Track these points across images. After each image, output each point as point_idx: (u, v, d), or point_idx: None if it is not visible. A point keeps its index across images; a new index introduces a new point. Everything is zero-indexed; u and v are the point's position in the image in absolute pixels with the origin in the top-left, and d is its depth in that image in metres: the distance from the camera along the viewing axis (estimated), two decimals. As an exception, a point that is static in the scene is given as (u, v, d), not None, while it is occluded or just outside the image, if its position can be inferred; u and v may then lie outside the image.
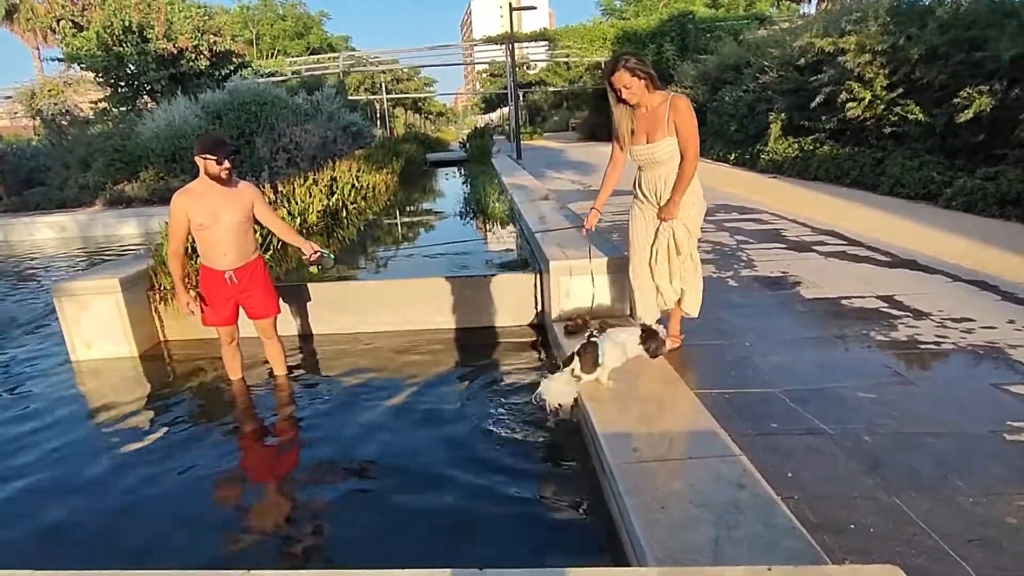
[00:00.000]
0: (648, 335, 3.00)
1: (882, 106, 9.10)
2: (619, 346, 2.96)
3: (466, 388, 3.69)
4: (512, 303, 4.59)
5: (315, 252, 3.62)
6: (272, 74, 24.82)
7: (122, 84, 15.80)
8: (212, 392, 3.88)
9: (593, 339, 3.00)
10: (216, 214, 3.38)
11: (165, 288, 4.60)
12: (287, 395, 3.74)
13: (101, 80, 15.70)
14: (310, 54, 35.93)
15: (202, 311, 3.57)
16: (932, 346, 3.34)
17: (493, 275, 4.68)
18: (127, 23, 14.66)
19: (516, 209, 7.24)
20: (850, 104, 9.40)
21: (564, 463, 2.81)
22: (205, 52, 15.82)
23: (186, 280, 3.59)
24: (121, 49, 14.66)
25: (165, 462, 3.03)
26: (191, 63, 15.55)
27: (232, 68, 17.15)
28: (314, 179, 8.40)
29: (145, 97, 15.93)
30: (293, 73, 27.63)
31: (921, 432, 2.49)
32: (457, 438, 3.09)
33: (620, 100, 3.08)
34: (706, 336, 3.62)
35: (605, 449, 2.40)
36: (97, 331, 4.39)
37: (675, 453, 2.35)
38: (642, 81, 3.00)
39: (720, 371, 3.17)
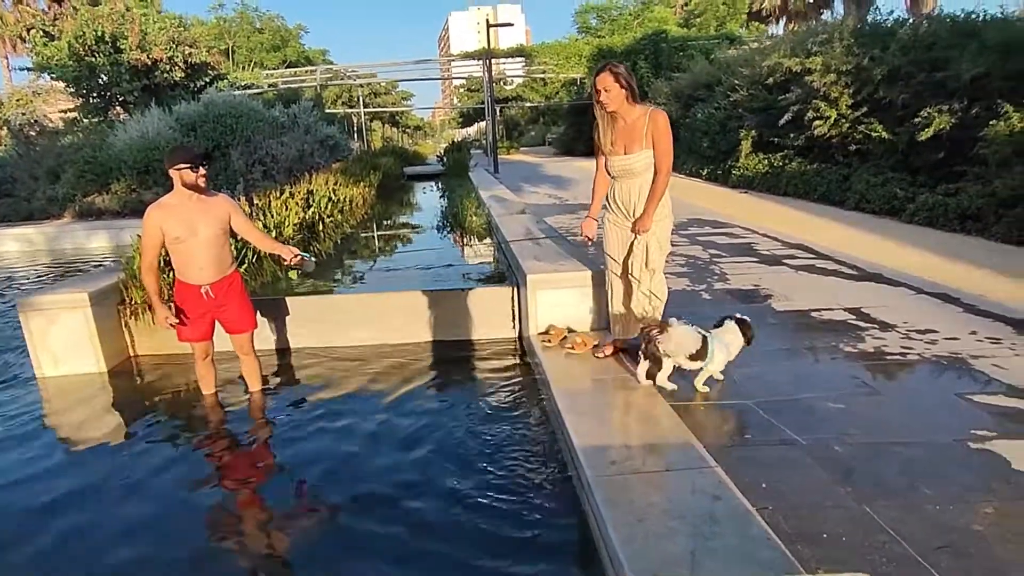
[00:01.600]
0: (745, 326, 3.11)
1: (847, 124, 9.41)
2: (724, 347, 3.04)
3: (442, 402, 3.68)
4: (489, 316, 4.61)
5: (295, 256, 3.56)
6: (248, 86, 24.64)
7: (94, 94, 15.54)
8: (184, 409, 3.80)
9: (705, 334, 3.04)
10: (192, 227, 3.31)
11: (136, 302, 4.52)
12: (261, 411, 3.69)
13: (72, 90, 15.41)
14: (287, 67, 35.78)
15: (178, 326, 3.49)
16: (898, 357, 3.44)
17: (471, 288, 4.69)
18: (100, 33, 14.46)
19: (493, 222, 7.28)
20: (817, 122, 9.70)
21: (541, 475, 2.81)
22: (180, 63, 15.65)
23: (161, 294, 3.51)
24: (93, 59, 14.44)
25: (133, 481, 2.95)
26: (165, 74, 15.37)
27: (208, 80, 16.99)
28: (290, 192, 8.36)
29: (117, 108, 15.69)
30: (270, 86, 27.49)
31: (889, 441, 2.56)
32: (432, 451, 3.08)
33: (601, 109, 3.13)
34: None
35: (583, 462, 2.41)
36: (65, 347, 4.28)
37: (652, 465, 2.38)
38: (623, 90, 3.07)
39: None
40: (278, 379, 4.16)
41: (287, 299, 4.57)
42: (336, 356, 4.46)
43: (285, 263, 3.61)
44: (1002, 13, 9.18)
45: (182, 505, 2.79)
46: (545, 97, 33.49)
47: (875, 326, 3.93)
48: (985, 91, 7.55)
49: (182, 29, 16.52)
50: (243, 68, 32.51)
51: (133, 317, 4.55)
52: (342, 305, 4.70)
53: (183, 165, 3.25)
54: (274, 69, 33.61)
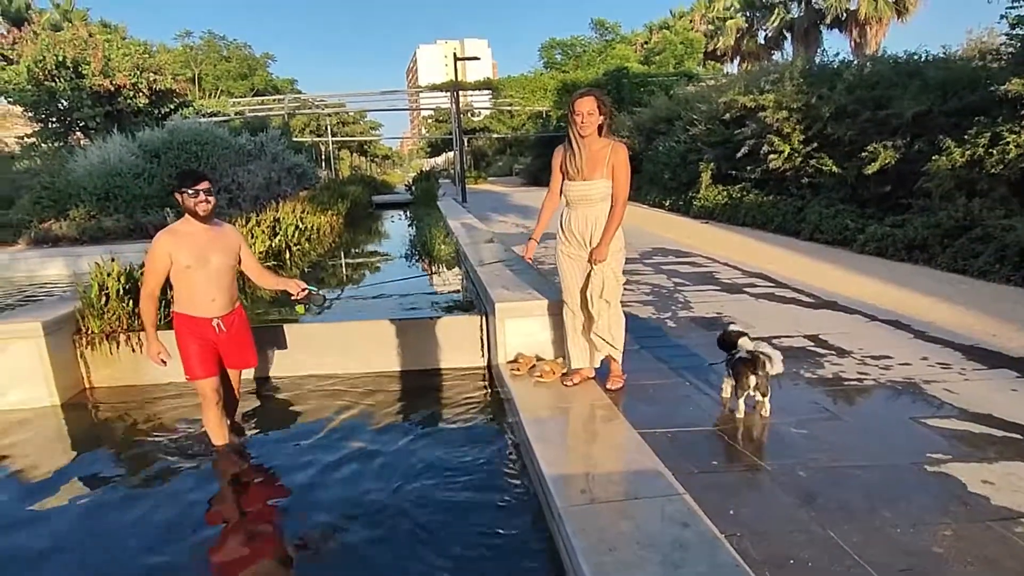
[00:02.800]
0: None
1: (800, 158, 9.86)
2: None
3: (410, 433, 3.61)
4: (458, 345, 4.58)
5: (303, 290, 3.40)
6: (215, 114, 24.45)
7: (53, 119, 15.22)
8: (142, 443, 3.62)
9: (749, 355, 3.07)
10: (204, 256, 3.13)
11: (93, 331, 4.35)
12: (235, 447, 3.49)
13: (31, 115, 15.04)
14: (255, 95, 35.67)
15: (189, 362, 3.20)
16: (855, 382, 3.55)
17: (439, 317, 4.67)
18: (61, 58, 14.20)
19: (462, 251, 7.30)
20: (771, 156, 10.13)
21: (511, 506, 2.78)
22: (144, 90, 15.49)
23: (156, 327, 3.27)
24: (53, 84, 14.15)
25: (86, 523, 2.80)
26: (129, 100, 15.17)
27: (173, 107, 16.87)
28: (256, 220, 8.27)
29: (78, 133, 15.35)
30: (237, 114, 27.35)
31: (850, 465, 2.63)
32: (399, 483, 3.01)
33: (577, 131, 3.18)
34: (648, 376, 3.72)
35: (553, 491, 2.40)
36: (14, 378, 4.07)
37: (621, 494, 2.38)
38: (601, 117, 3.16)
39: (662, 410, 3.25)
40: (241, 410, 4.03)
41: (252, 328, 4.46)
42: (301, 386, 4.35)
43: (292, 298, 3.44)
44: (944, 53, 9.84)
45: (137, 550, 2.65)
46: (512, 129, 34.10)
47: (833, 352, 4.06)
48: (927, 127, 8.03)
49: (147, 56, 16.39)
50: (210, 96, 32.31)
51: (89, 347, 4.37)
52: (308, 334, 4.61)
53: (184, 189, 3.09)
54: (241, 97, 33.49)
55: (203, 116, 21.16)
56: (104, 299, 4.43)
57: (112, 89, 14.73)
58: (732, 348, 3.22)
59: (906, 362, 3.83)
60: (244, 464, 3.36)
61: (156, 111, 16.22)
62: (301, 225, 9.22)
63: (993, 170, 6.92)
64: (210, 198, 3.13)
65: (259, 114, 27.96)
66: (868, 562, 2.01)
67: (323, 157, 35.59)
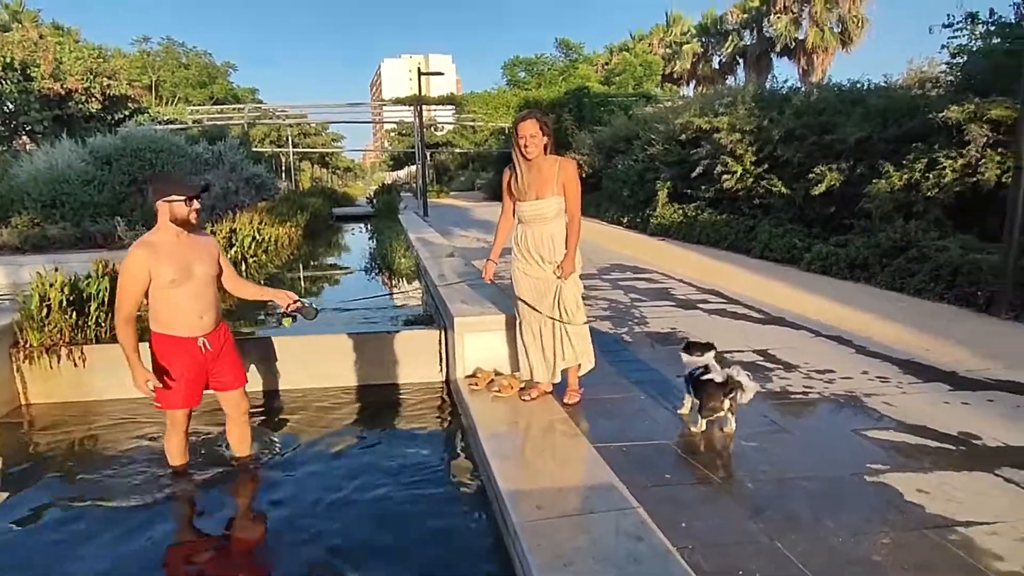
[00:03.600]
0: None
1: (751, 179, 10.23)
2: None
3: (366, 448, 3.56)
4: (417, 360, 4.55)
5: (294, 302, 3.18)
6: (172, 121, 23.81)
7: (-2, 123, 14.52)
8: (84, 464, 3.45)
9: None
10: (188, 267, 2.86)
11: (32, 345, 4.14)
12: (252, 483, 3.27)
13: (-27, 118, 14.34)
14: (214, 104, 34.87)
15: (163, 393, 2.93)
16: (801, 396, 3.69)
17: (398, 331, 4.64)
18: (8, 60, 13.59)
19: (422, 265, 7.27)
20: (725, 176, 10.49)
21: (468, 522, 2.77)
22: (97, 95, 14.98)
23: (139, 351, 2.90)
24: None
25: (17, 552, 2.63)
26: (81, 105, 14.62)
27: (127, 113, 16.35)
28: (212, 230, 8.11)
29: (24, 138, 14.67)
30: (195, 122, 26.72)
31: (796, 477, 2.72)
32: (355, 500, 2.96)
33: (522, 155, 3.26)
34: (604, 390, 3.77)
35: (509, 507, 2.40)
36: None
37: (577, 508, 2.40)
38: (545, 138, 3.22)
39: (618, 424, 3.30)
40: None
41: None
42: (255, 402, 4.23)
43: (280, 310, 3.21)
44: (886, 82, 10.42)
45: None
46: (475, 144, 34.27)
47: (780, 367, 4.20)
48: (868, 152, 8.46)
49: (101, 60, 15.89)
50: (167, 103, 31.44)
51: (27, 361, 4.16)
52: (263, 348, 4.50)
53: (176, 197, 2.82)
54: (200, 105, 32.71)
55: (159, 123, 20.57)
56: (45, 311, 4.23)
57: (63, 93, 14.20)
58: (699, 352, 3.23)
59: (848, 376, 4.00)
60: (198, 489, 3.18)
61: (109, 117, 15.69)
62: (258, 236, 9.06)
63: (929, 193, 7.34)
64: (199, 205, 2.95)
65: (218, 123, 27.37)
66: (812, 571, 2.08)
67: (283, 168, 35.02)
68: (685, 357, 3.28)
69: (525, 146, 3.22)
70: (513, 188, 3.39)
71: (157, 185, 2.89)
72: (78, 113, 14.70)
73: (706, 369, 3.15)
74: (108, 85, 15.32)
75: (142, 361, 2.85)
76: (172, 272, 2.81)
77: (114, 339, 4.45)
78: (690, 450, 2.99)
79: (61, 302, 4.29)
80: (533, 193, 3.31)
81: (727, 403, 3.04)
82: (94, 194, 11.96)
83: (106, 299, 4.67)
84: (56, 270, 4.61)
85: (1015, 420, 3.27)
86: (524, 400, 3.55)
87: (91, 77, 14.87)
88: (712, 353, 3.23)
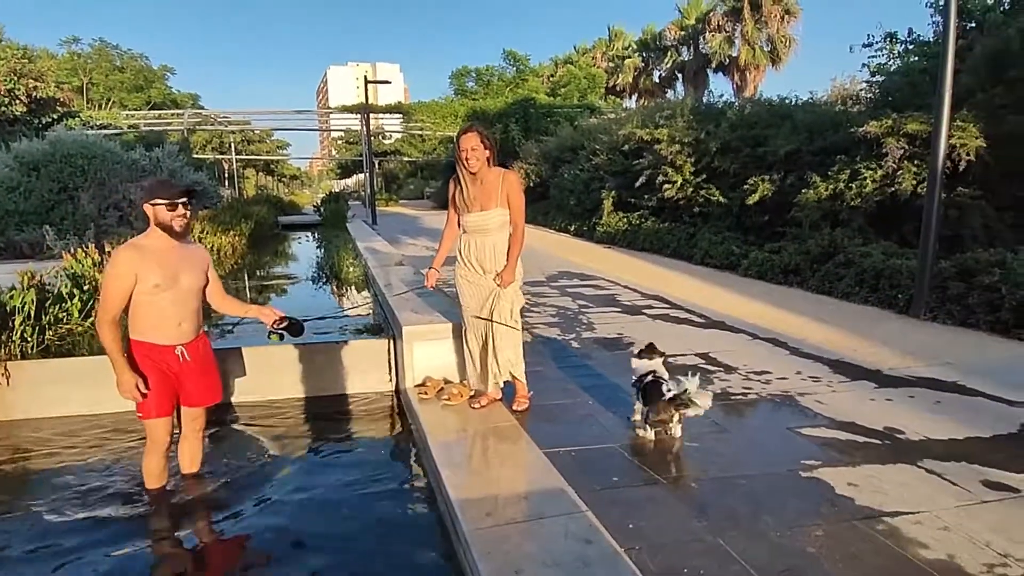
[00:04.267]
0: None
1: (691, 188, 10.60)
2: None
3: (315, 461, 3.46)
4: (366, 369, 4.47)
5: (280, 318, 3.07)
6: (105, 127, 22.57)
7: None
8: (6, 488, 3.19)
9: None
10: (174, 274, 2.79)
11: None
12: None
13: None
14: (151, 109, 33.34)
15: (140, 402, 2.82)
16: (741, 396, 3.82)
17: (346, 341, 4.54)
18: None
19: (370, 274, 7.17)
20: (666, 186, 10.83)
21: (417, 532, 2.72)
22: (22, 97, 14.09)
23: (124, 354, 2.79)
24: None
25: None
26: (4, 108, 13.72)
27: (56, 117, 15.46)
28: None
29: (-59, 142, 13.58)
30: (130, 127, 25.46)
31: (736, 475, 2.81)
32: (302, 511, 2.88)
33: (465, 168, 3.27)
34: (553, 396, 3.80)
35: (459, 515, 2.38)
36: None
37: (527, 514, 2.40)
38: (486, 151, 3.24)
39: (567, 429, 3.33)
40: (124, 443, 3.66)
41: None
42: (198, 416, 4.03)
43: (269, 326, 3.08)
44: (811, 98, 11.05)
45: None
46: (423, 153, 34.11)
47: (721, 369, 4.35)
48: (797, 164, 8.93)
49: (26, 61, 14.96)
50: (100, 107, 29.81)
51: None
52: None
53: (159, 200, 2.74)
54: (136, 110, 31.21)
55: (92, 128, 19.48)
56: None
57: (-18, 95, 13.30)
58: (648, 357, 3.27)
59: (783, 376, 4.18)
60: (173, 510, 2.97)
61: (36, 120, 14.85)
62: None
63: (852, 202, 7.81)
64: (187, 212, 2.83)
65: (156, 128, 26.25)
66: (753, 566, 2.15)
67: (226, 175, 33.84)
68: (635, 362, 3.33)
69: (467, 159, 3.23)
70: (458, 200, 3.40)
71: (146, 186, 2.83)
72: (1, 116, 13.78)
73: (655, 376, 3.19)
74: (34, 87, 14.52)
75: (128, 365, 2.74)
76: (157, 277, 2.74)
77: (43, 354, 4.20)
78: (637, 452, 3.05)
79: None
80: (478, 205, 3.33)
81: (676, 416, 3.07)
82: (20, 202, 11.26)
83: (32, 312, 4.39)
84: (-27, 283, 4.30)
85: (935, 414, 3.50)
86: (474, 408, 3.53)
87: (15, 78, 14.04)
88: (660, 359, 3.28)
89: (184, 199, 2.80)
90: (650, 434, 3.15)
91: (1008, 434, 3.23)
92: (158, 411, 2.86)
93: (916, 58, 9.08)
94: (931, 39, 8.91)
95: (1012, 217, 7.45)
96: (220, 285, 3.13)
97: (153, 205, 2.76)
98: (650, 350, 3.31)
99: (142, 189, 2.85)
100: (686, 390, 2.97)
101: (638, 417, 3.26)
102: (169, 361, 2.86)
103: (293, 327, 3.12)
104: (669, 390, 3.04)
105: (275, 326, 3.09)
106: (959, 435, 3.21)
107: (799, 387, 3.97)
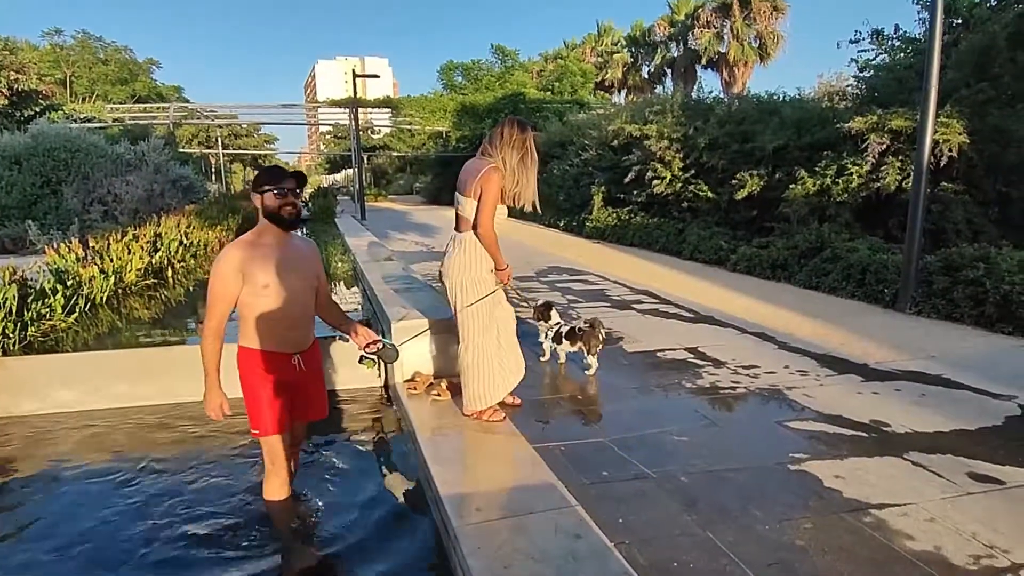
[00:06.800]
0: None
1: (680, 184, 10.63)
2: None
3: (304, 454, 3.42)
4: (355, 365, 4.40)
5: (374, 341, 2.86)
6: (89, 120, 22.22)
7: None
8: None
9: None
10: (285, 273, 2.52)
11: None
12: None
13: None
14: (136, 102, 32.89)
15: (257, 419, 2.56)
16: (729, 390, 3.84)
17: (334, 336, 4.49)
18: None
19: (359, 269, 7.12)
20: (655, 181, 10.85)
21: (407, 527, 2.71)
22: (3, 89, 13.86)
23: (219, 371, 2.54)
24: None
25: None
26: (-16, 101, 13.48)
27: (38, 110, 15.21)
28: (135, 234, 7.72)
29: (-82, 134, 13.34)
30: (115, 120, 25.10)
31: (725, 469, 2.82)
32: (296, 503, 2.84)
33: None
34: (544, 391, 3.80)
35: (449, 511, 2.37)
36: None
37: (516, 509, 2.39)
38: (497, 138, 3.21)
39: (556, 424, 3.33)
40: (108, 438, 3.61)
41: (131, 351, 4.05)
42: (193, 411, 3.98)
43: (360, 349, 2.90)
44: (799, 94, 11.12)
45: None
46: (412, 148, 33.87)
47: (710, 363, 4.37)
48: (785, 159, 8.98)
49: (8, 52, 14.70)
50: (83, 100, 29.36)
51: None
52: (191, 359, 4.23)
53: (267, 187, 2.49)
54: (120, 104, 30.77)
55: (75, 121, 19.17)
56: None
57: (-37, 87, 13.05)
58: (548, 319, 4.28)
59: (771, 370, 4.20)
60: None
61: (18, 113, 14.64)
62: (186, 241, 8.67)
63: (839, 198, 7.86)
64: (297, 200, 2.56)
65: (141, 122, 25.87)
66: (742, 559, 2.16)
67: (213, 170, 33.48)
68: (544, 324, 4.32)
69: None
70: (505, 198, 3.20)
71: (255, 179, 2.60)
72: (-19, 109, 13.59)
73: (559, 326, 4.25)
74: (16, 80, 14.30)
75: (220, 383, 2.51)
76: (267, 276, 2.48)
77: (25, 351, 4.12)
78: (627, 446, 3.05)
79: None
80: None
81: (595, 342, 3.99)
82: (2, 196, 11.08)
83: (13, 308, 4.32)
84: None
85: (920, 407, 3.53)
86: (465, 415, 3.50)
87: (-5, 70, 13.80)
88: (555, 311, 4.32)
89: (292, 185, 2.54)
90: (561, 356, 4.29)
91: (992, 426, 3.27)
92: (277, 427, 2.58)
93: (903, 54, 9.15)
94: (917, 35, 8.98)
95: (995, 212, 7.54)
96: (327, 287, 2.86)
97: (261, 193, 2.51)
98: (547, 307, 4.32)
99: (253, 181, 2.61)
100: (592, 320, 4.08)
101: (547, 346, 4.39)
102: (285, 370, 2.61)
103: (387, 352, 2.91)
104: (557, 323, 4.29)
105: (367, 350, 2.89)
106: (944, 428, 3.24)
107: (787, 381, 3.99)
